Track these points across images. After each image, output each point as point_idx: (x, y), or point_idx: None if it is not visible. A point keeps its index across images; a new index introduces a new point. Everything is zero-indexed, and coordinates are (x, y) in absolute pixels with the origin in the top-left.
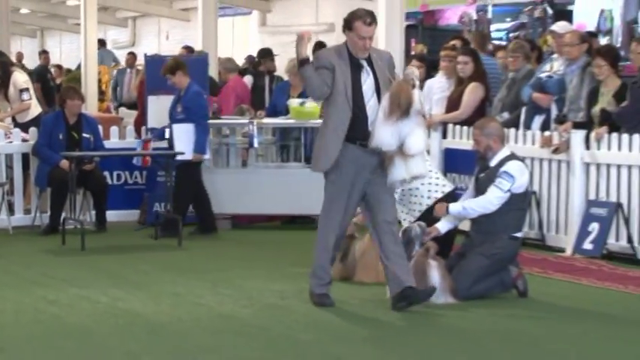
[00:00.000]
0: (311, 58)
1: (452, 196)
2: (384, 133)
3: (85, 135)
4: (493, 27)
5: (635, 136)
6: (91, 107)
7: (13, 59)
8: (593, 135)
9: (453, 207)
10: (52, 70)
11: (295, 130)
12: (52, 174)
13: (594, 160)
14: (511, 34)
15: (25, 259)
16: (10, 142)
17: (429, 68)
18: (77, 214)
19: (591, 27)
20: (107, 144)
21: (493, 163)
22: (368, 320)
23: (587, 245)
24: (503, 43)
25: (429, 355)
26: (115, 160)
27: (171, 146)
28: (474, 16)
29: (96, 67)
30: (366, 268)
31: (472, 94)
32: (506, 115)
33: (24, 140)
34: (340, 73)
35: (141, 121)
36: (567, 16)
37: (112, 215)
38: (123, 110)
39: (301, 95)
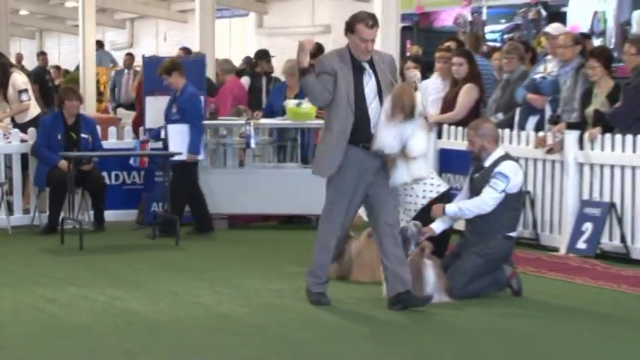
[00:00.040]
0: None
1: (447, 196)
2: (386, 136)
3: (83, 135)
4: (488, 28)
5: (628, 137)
6: (89, 108)
7: (13, 60)
8: (586, 135)
9: (449, 208)
10: (51, 71)
11: (292, 130)
12: (51, 174)
13: (588, 161)
14: (505, 36)
15: (23, 258)
16: (9, 142)
17: (424, 69)
18: (76, 213)
19: (585, 29)
20: (105, 144)
21: (487, 163)
22: (364, 319)
23: (581, 245)
24: (498, 44)
25: (424, 353)
26: (113, 160)
27: (166, 146)
28: (469, 18)
29: (94, 68)
30: (362, 267)
31: (467, 95)
32: (500, 115)
33: (23, 141)
34: (342, 77)
35: (139, 121)
36: (561, 17)
37: (110, 215)
38: (121, 111)
39: (298, 96)
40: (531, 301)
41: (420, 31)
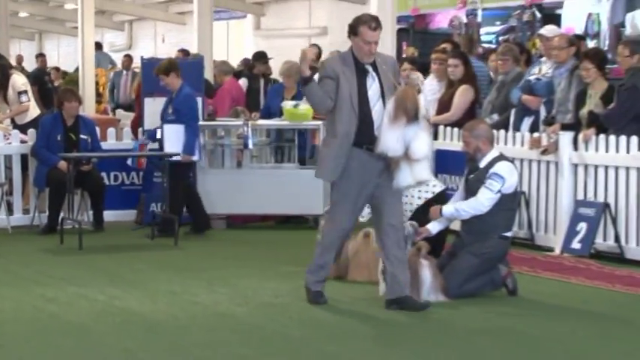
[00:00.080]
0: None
1: (442, 196)
2: (389, 139)
3: (82, 136)
4: (483, 30)
5: (622, 138)
6: (88, 109)
7: (13, 62)
8: (581, 136)
9: (446, 209)
10: (51, 72)
11: (289, 131)
12: (51, 175)
13: (582, 161)
14: (500, 38)
15: (23, 258)
16: (9, 143)
17: (419, 71)
18: (75, 214)
19: (579, 30)
20: (104, 145)
21: (482, 164)
22: (360, 318)
23: (576, 244)
24: (493, 46)
25: (420, 351)
26: (112, 160)
27: (162, 147)
28: (464, 20)
29: (93, 69)
30: (359, 267)
31: (462, 96)
32: (495, 116)
33: (23, 141)
34: (345, 80)
35: (138, 122)
36: (555, 19)
37: (109, 215)
38: (120, 112)
39: (295, 97)
40: (526, 301)
41: (415, 33)
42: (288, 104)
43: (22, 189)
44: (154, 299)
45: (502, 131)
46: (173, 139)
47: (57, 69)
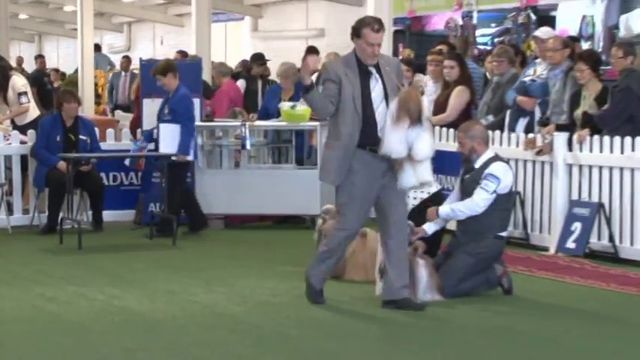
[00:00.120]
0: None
1: (438, 196)
2: (392, 140)
3: (81, 137)
4: (478, 32)
5: (616, 139)
6: (87, 110)
7: (14, 63)
8: (575, 137)
9: (442, 210)
10: (51, 73)
11: (286, 132)
12: (50, 175)
13: (577, 162)
14: (496, 39)
15: (23, 257)
16: (9, 144)
17: (416, 72)
18: (74, 214)
19: (573, 32)
20: (103, 146)
21: (478, 164)
22: (358, 317)
23: (570, 244)
24: (489, 48)
25: (416, 350)
26: (111, 161)
27: (157, 147)
28: (460, 22)
29: (92, 71)
30: (356, 267)
31: (458, 97)
32: (491, 117)
33: (22, 142)
34: (347, 83)
35: (136, 123)
36: (550, 21)
37: (108, 215)
38: (119, 113)
39: (292, 99)
40: (521, 300)
41: (412, 35)
42: (285, 105)
43: (22, 189)
44: (152, 298)
45: (497, 132)
46: (168, 138)
47: (56, 70)
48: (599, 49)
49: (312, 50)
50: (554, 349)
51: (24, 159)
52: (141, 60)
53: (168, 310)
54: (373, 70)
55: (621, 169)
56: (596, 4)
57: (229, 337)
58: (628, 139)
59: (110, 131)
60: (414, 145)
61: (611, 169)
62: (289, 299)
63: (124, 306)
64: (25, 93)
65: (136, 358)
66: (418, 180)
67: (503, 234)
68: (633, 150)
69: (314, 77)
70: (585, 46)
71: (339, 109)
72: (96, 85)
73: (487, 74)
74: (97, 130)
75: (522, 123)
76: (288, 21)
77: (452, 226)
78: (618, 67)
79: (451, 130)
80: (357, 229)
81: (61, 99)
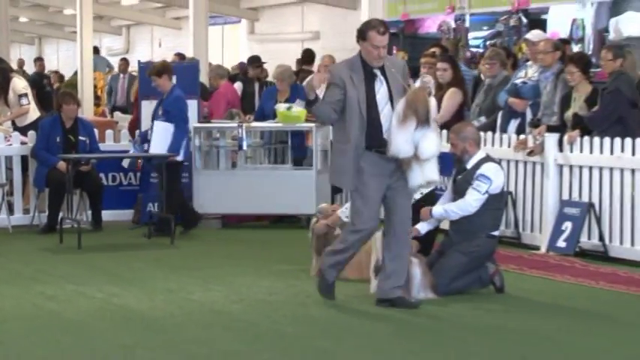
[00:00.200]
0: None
1: (431, 196)
2: (399, 141)
3: (81, 138)
4: (471, 35)
5: (606, 139)
6: (87, 111)
7: (15, 66)
8: (566, 138)
9: (436, 210)
10: (51, 75)
11: (282, 133)
12: (50, 175)
13: (567, 162)
14: (488, 42)
15: (24, 256)
16: (10, 145)
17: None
18: (74, 213)
19: (564, 35)
20: (102, 146)
21: (469, 165)
22: (353, 315)
23: (561, 243)
24: (481, 50)
25: (410, 347)
26: (110, 161)
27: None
28: (453, 25)
29: (92, 73)
30: (351, 265)
31: (451, 99)
32: (483, 119)
33: (23, 143)
34: (352, 86)
35: (135, 124)
36: (541, 24)
37: (107, 215)
38: (117, 114)
39: (288, 100)
40: (513, 298)
41: (405, 38)
42: (281, 107)
43: (23, 189)
44: (151, 297)
45: (489, 133)
46: (160, 137)
47: (56, 72)
48: (589, 52)
49: (307, 56)
50: (546, 347)
51: (24, 160)
52: (139, 62)
53: (167, 308)
54: (378, 73)
55: (611, 169)
56: (586, 7)
57: (226, 335)
58: (617, 140)
59: (109, 132)
60: (419, 144)
61: (600, 169)
62: (285, 297)
63: (123, 304)
64: (26, 95)
65: (135, 355)
66: (425, 179)
67: (496, 233)
68: (622, 151)
69: (324, 86)
70: (576, 48)
71: (346, 113)
72: (95, 87)
73: (482, 76)
74: (96, 131)
75: (514, 124)
76: (284, 24)
77: (445, 225)
78: (608, 70)
79: (444, 132)
80: (374, 229)
81: (61, 101)
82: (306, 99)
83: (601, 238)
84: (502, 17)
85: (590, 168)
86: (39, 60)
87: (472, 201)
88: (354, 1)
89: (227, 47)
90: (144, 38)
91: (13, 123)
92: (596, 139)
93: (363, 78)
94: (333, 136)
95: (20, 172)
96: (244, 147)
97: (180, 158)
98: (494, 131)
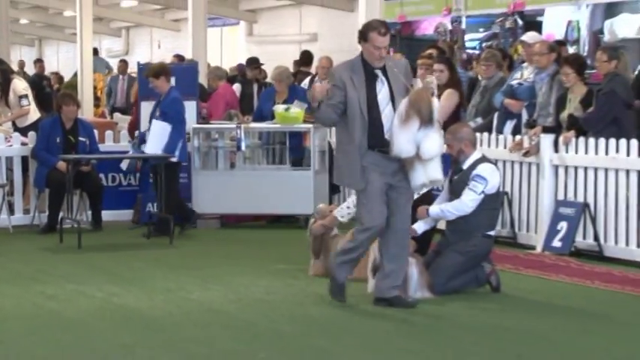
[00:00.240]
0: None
1: (428, 197)
2: (401, 141)
3: (81, 139)
4: (467, 37)
5: (601, 140)
6: (87, 112)
7: (15, 67)
8: (561, 139)
9: (432, 210)
10: (51, 77)
11: (280, 134)
12: (50, 176)
13: (563, 163)
14: (484, 44)
15: (24, 256)
16: (10, 145)
17: None
18: (74, 213)
19: (559, 37)
20: (102, 147)
21: (465, 165)
22: (350, 314)
23: (556, 243)
24: (477, 52)
25: (408, 346)
26: (110, 162)
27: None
28: (449, 27)
29: (91, 74)
30: None
31: (447, 100)
32: (479, 120)
33: (23, 144)
34: (352, 88)
35: (134, 125)
36: (537, 26)
37: (107, 215)
38: (117, 115)
39: (286, 101)
40: (509, 297)
41: (402, 39)
42: (279, 108)
43: (23, 190)
44: (150, 296)
45: (486, 134)
46: (157, 137)
47: (56, 74)
48: (585, 54)
49: (305, 58)
50: (541, 346)
51: (25, 160)
52: (138, 64)
53: (166, 308)
54: (379, 73)
55: (606, 169)
56: (581, 9)
57: (225, 334)
58: (612, 141)
59: (109, 133)
60: (421, 144)
61: (596, 170)
62: (283, 297)
63: (123, 303)
64: (26, 96)
65: (134, 354)
66: (428, 178)
67: (492, 233)
68: (617, 151)
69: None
70: (571, 50)
71: (348, 114)
72: (95, 88)
73: (479, 77)
74: (95, 132)
75: (510, 125)
76: (282, 26)
77: (442, 225)
78: (603, 71)
79: (441, 132)
80: (382, 226)
81: (61, 102)
82: (309, 106)
83: (596, 238)
84: (498, 19)
85: (586, 168)
86: (39, 61)
87: (468, 201)
88: (351, 3)
89: (226, 49)
90: (143, 40)
91: (14, 124)
92: (592, 140)
93: (364, 79)
94: (336, 137)
95: (21, 172)
96: (243, 148)
97: (175, 159)
98: (490, 132)
